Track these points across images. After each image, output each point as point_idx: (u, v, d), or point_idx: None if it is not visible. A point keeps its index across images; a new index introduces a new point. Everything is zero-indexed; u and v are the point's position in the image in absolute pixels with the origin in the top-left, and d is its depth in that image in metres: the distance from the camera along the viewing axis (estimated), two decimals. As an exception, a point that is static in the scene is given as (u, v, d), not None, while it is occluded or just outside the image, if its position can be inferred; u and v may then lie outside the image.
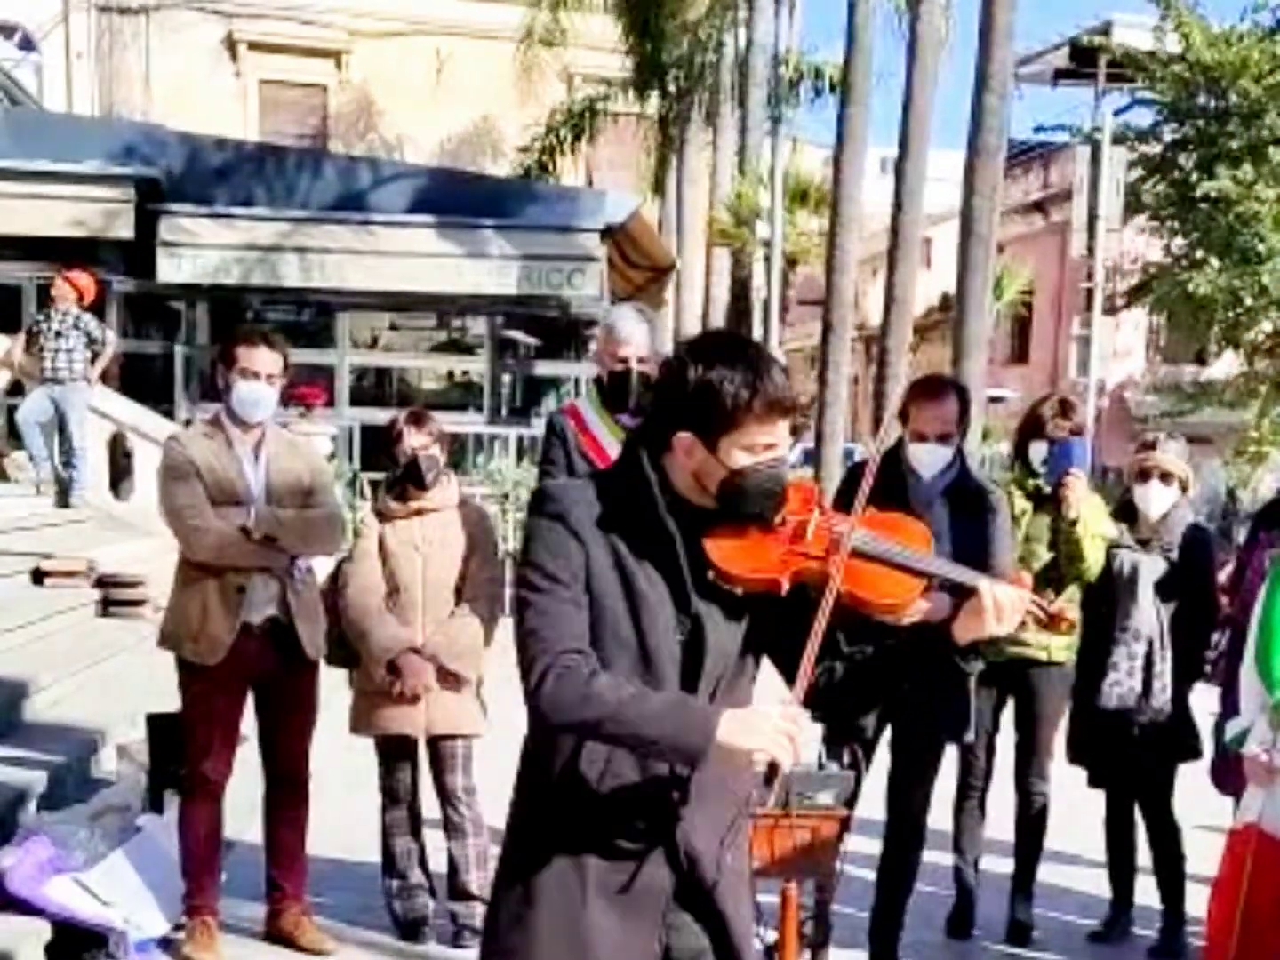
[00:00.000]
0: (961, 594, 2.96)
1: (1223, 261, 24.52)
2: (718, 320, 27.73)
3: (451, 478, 6.21)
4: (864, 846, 6.09)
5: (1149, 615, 6.30)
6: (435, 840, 6.25)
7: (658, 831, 2.96)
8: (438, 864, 6.24)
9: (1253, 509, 15.75)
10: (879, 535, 2.99)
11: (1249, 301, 24.40)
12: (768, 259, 24.96)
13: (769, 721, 2.71)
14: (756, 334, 25.33)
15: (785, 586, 2.92)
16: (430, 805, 6.24)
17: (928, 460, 5.62)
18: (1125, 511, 6.51)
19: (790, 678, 2.92)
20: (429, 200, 20.48)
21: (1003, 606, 2.88)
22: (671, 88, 28.59)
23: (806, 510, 2.99)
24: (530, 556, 2.95)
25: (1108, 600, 6.35)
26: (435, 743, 6.10)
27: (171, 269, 19.70)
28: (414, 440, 5.99)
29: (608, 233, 20.76)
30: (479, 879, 6.09)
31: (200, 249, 19.75)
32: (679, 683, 2.93)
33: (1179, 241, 26.12)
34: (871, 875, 6.02)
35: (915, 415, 5.69)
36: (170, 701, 6.10)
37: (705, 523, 2.95)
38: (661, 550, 2.94)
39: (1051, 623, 3.00)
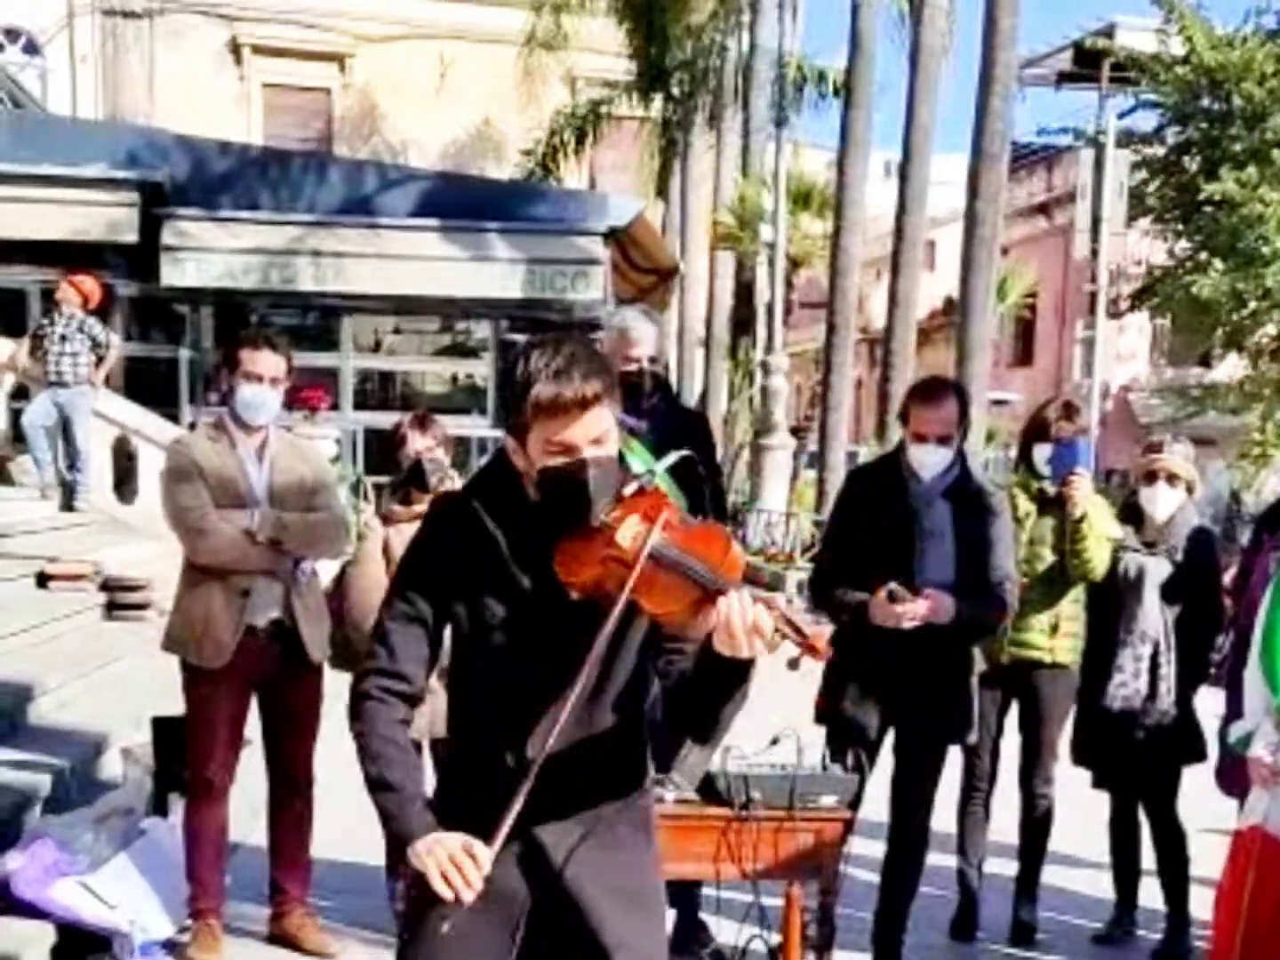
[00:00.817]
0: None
1: (1227, 264, 24.52)
2: (721, 323, 27.74)
3: (456, 481, 6.21)
4: (868, 849, 6.09)
5: (1154, 617, 6.30)
6: (439, 843, 6.25)
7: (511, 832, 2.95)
8: (442, 867, 6.23)
9: (1256, 511, 15.73)
10: (678, 544, 2.88)
11: (1253, 304, 24.40)
12: (771, 261, 24.94)
13: (442, 851, 2.83)
14: (760, 336, 25.35)
15: (574, 593, 2.91)
16: (434, 808, 6.24)
17: (928, 461, 5.62)
18: (1131, 514, 6.51)
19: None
20: (433, 204, 20.49)
21: (739, 623, 2.76)
22: (675, 91, 28.60)
23: (627, 517, 2.92)
24: (406, 553, 3.18)
25: (1113, 602, 6.35)
26: (439, 746, 6.09)
27: (175, 273, 19.72)
28: (418, 443, 5.99)
29: (611, 236, 20.77)
30: (483, 882, 6.09)
31: (204, 253, 19.77)
32: (538, 685, 2.98)
33: (1183, 244, 26.12)
34: (875, 877, 6.02)
35: (915, 416, 5.69)
36: (175, 704, 6.11)
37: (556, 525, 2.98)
38: (499, 556, 3.02)
39: (810, 650, 2.80)
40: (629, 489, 2.97)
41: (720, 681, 2.87)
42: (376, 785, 2.98)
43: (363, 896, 6.50)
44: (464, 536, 3.02)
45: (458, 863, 2.79)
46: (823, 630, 2.79)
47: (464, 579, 3.02)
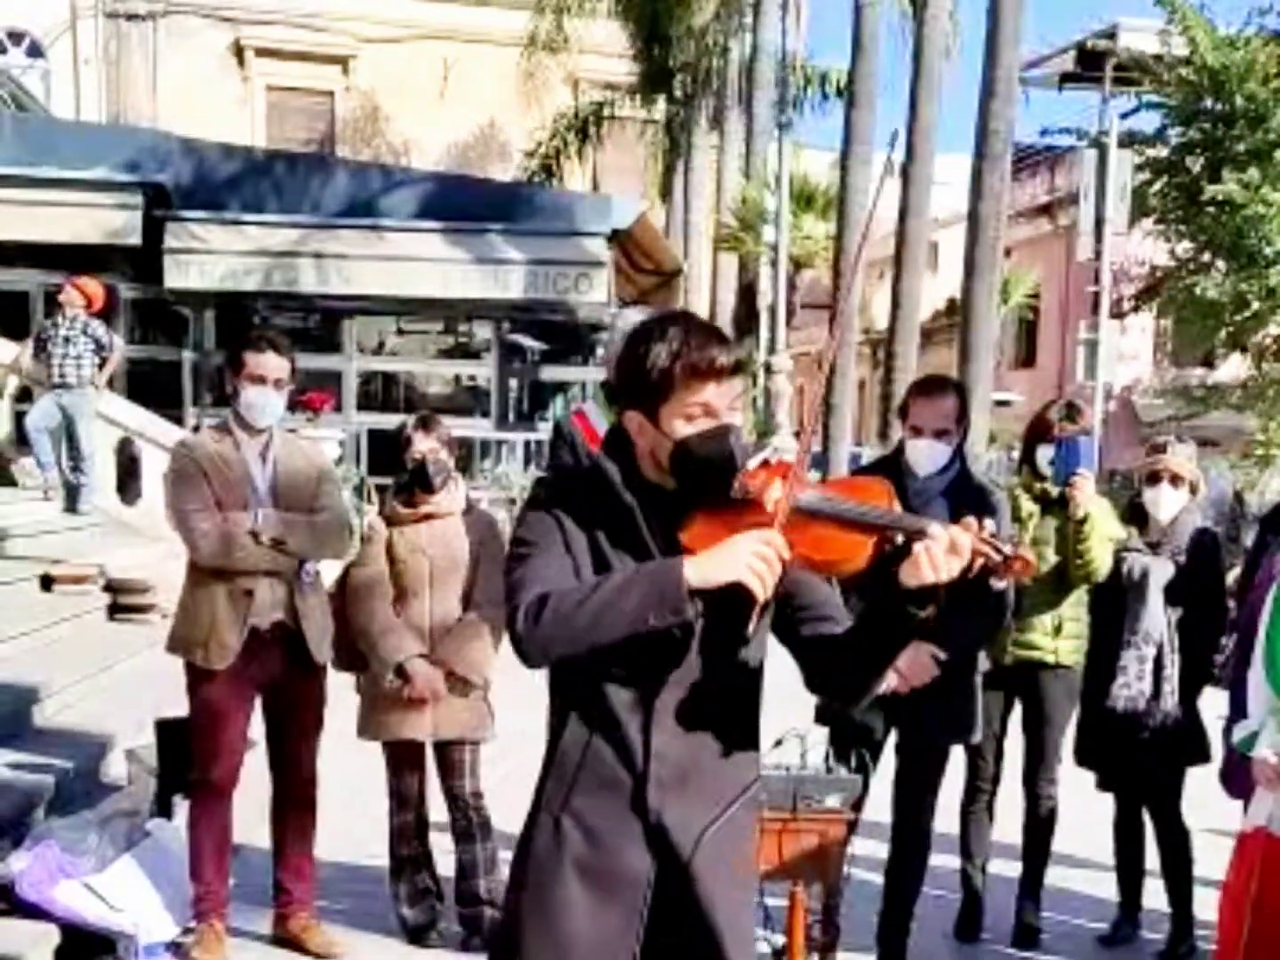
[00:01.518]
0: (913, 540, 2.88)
1: (1229, 264, 24.51)
2: (724, 325, 27.73)
3: (459, 483, 6.22)
4: (872, 849, 6.09)
5: (1158, 619, 6.30)
6: (443, 844, 6.26)
7: (634, 814, 2.99)
8: (445, 868, 6.24)
9: (1260, 512, 15.73)
10: (834, 495, 2.98)
11: (1255, 305, 24.37)
12: (773, 263, 24.97)
13: (740, 548, 2.77)
14: (763, 338, 25.36)
15: None
16: (438, 810, 6.25)
17: (925, 455, 5.61)
18: (1134, 515, 6.51)
19: (798, 657, 3.06)
20: (435, 205, 20.51)
21: (937, 549, 2.79)
22: (678, 92, 28.62)
23: (771, 482, 2.97)
24: (515, 533, 3.07)
25: (1116, 604, 6.35)
26: (443, 747, 6.10)
27: (179, 275, 19.75)
28: (422, 444, 6.00)
29: (614, 237, 20.79)
30: (487, 883, 6.09)
31: (207, 255, 19.80)
32: (653, 661, 2.96)
33: (1185, 245, 26.10)
34: (879, 878, 6.02)
35: (913, 410, 5.70)
36: (178, 706, 6.11)
37: (677, 507, 2.98)
38: (630, 530, 2.99)
39: (1006, 565, 2.84)
40: (753, 462, 3.01)
41: (901, 620, 2.87)
42: (607, 610, 2.81)
43: (367, 898, 6.51)
44: (594, 507, 3.01)
45: (765, 558, 2.76)
46: (1024, 549, 2.85)
47: (592, 550, 3.00)
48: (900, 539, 2.87)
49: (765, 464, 3.03)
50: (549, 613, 2.83)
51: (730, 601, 2.85)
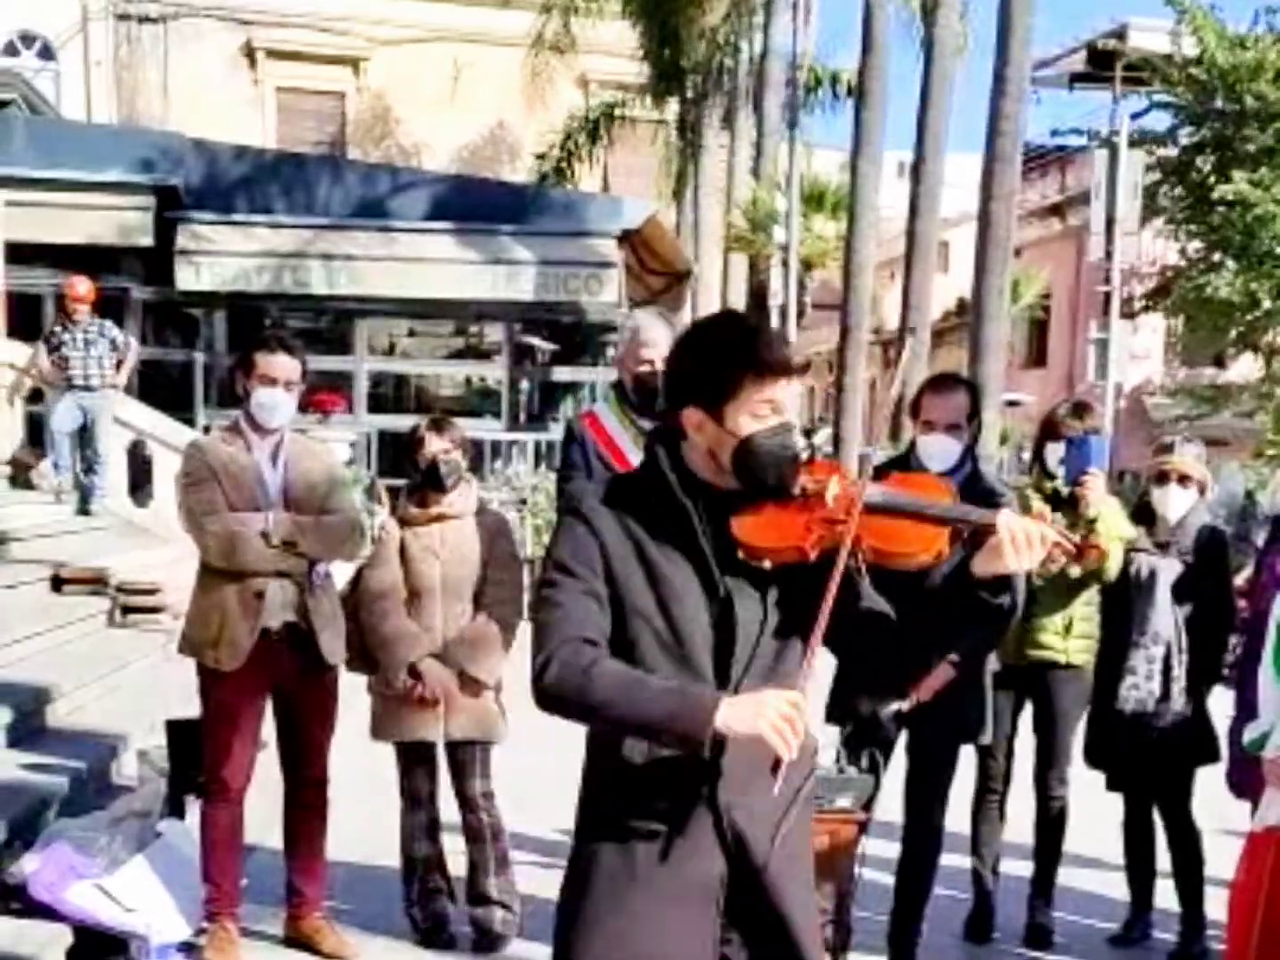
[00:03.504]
0: (983, 535, 2.96)
1: (1240, 264, 24.49)
2: (734, 326, 27.69)
3: (472, 484, 6.23)
4: (883, 850, 6.09)
5: (1166, 619, 6.29)
6: (455, 845, 6.26)
7: (704, 816, 2.97)
8: (457, 868, 6.25)
9: (1271, 511, 15.70)
10: (897, 490, 3.04)
11: (1267, 304, 24.37)
12: (784, 263, 24.96)
13: (766, 708, 2.73)
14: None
15: (812, 555, 2.95)
16: (450, 810, 6.26)
17: (936, 451, 5.61)
18: (1142, 515, 6.50)
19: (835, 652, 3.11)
20: (447, 207, 20.51)
21: (1019, 539, 2.86)
22: (688, 93, 28.60)
23: (820, 477, 3.02)
24: (550, 555, 3.03)
25: (1125, 604, 6.35)
26: (455, 748, 6.11)
27: (190, 277, 19.76)
28: (435, 445, 6.00)
29: (624, 238, 20.77)
30: (498, 884, 6.11)
31: (218, 257, 19.81)
32: (712, 666, 2.96)
33: (1196, 244, 26.09)
34: (890, 878, 6.02)
35: (924, 407, 5.71)
36: (190, 707, 6.13)
37: (729, 505, 2.98)
38: (682, 531, 2.97)
39: (1080, 555, 2.98)
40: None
41: (976, 608, 2.95)
42: (636, 705, 2.80)
43: (379, 899, 6.51)
44: (642, 510, 3.00)
45: (788, 718, 2.73)
46: (1093, 538, 3.00)
47: (639, 557, 2.98)
48: (966, 532, 2.97)
49: (810, 460, 3.08)
50: (571, 677, 2.82)
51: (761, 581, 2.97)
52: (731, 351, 2.94)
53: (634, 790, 2.98)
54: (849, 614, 3.00)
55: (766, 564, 2.98)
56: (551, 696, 2.86)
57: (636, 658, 2.94)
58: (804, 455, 3.05)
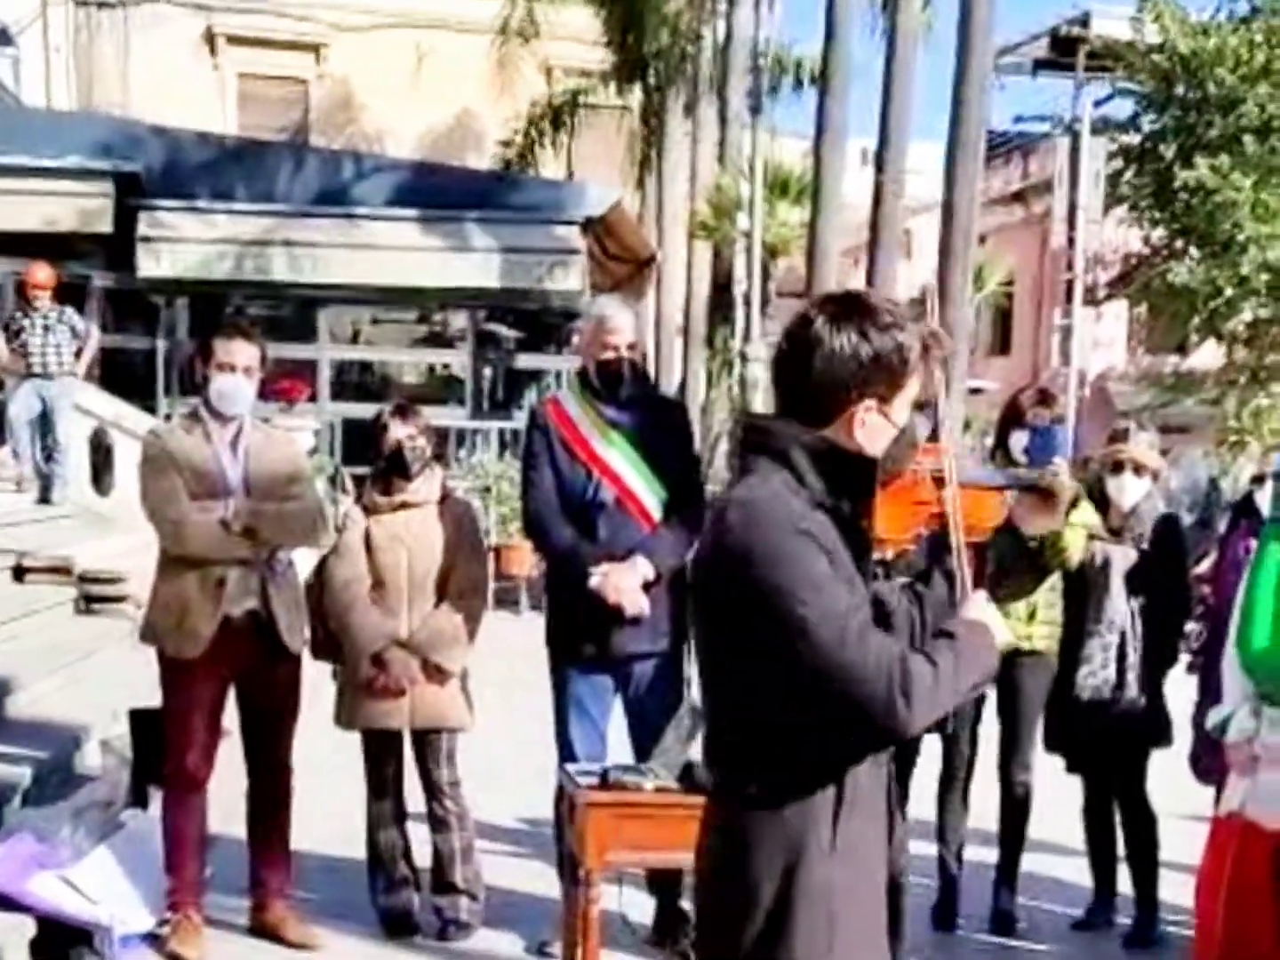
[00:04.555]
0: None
1: (1202, 251, 24.56)
2: (699, 313, 27.68)
3: (437, 471, 6.21)
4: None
5: (1121, 606, 6.32)
6: (420, 834, 6.25)
7: (886, 836, 2.98)
8: (423, 858, 6.24)
9: (1234, 499, 15.78)
10: (972, 467, 3.27)
11: (1229, 291, 24.42)
12: (748, 251, 24.93)
13: (989, 614, 2.89)
14: (738, 326, 25.34)
15: (891, 550, 3.04)
16: (416, 799, 6.24)
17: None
18: (1097, 503, 6.52)
19: None
20: (410, 194, 20.46)
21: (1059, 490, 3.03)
22: (652, 80, 28.54)
23: (922, 458, 3.10)
24: (797, 578, 2.71)
25: (1081, 592, 6.37)
26: (420, 736, 6.09)
27: (151, 264, 19.65)
28: (399, 432, 5.99)
29: (588, 225, 20.74)
30: (464, 872, 6.10)
31: (180, 244, 19.70)
32: None
33: (1159, 232, 26.16)
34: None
35: None
36: (153, 697, 6.09)
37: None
38: (852, 544, 2.85)
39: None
40: None
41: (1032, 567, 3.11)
42: (961, 685, 2.80)
43: (344, 888, 6.48)
44: (828, 519, 2.84)
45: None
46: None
47: (837, 566, 2.80)
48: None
49: None
50: (917, 700, 2.67)
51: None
52: (913, 337, 2.85)
53: (837, 811, 2.84)
54: None
55: (890, 554, 3.03)
56: (914, 728, 2.73)
57: None
58: None
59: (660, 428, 5.93)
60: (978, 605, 2.89)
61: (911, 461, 2.97)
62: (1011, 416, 6.50)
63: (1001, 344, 40.54)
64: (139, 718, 6.68)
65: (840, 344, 2.82)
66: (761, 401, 22.70)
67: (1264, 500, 6.58)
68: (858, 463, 2.85)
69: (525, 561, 15.99)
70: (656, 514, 5.80)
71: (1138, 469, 6.38)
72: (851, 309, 2.87)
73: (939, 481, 3.04)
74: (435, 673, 5.96)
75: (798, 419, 2.86)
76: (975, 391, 29.35)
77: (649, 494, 5.80)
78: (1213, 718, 5.11)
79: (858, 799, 2.84)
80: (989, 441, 7.86)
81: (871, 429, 2.84)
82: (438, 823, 6.14)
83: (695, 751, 4.64)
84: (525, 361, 22.46)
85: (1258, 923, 5.16)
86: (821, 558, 2.72)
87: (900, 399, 2.86)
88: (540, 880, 6.26)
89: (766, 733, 2.81)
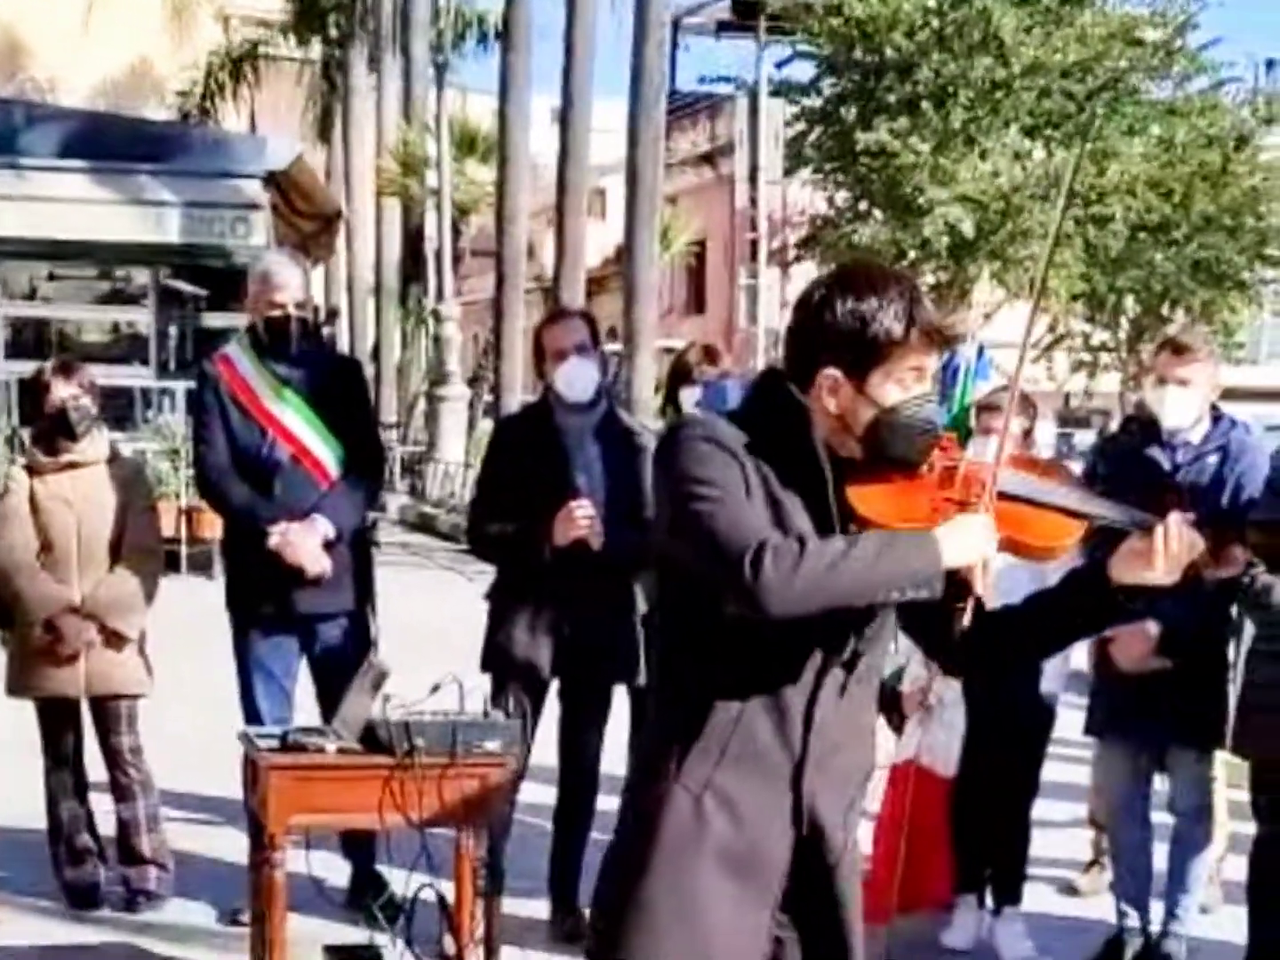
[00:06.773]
0: (1119, 535, 2.80)
1: (885, 214, 25.28)
2: (391, 272, 27.44)
3: (103, 430, 6.03)
4: (542, 796, 6.10)
5: None
6: (103, 804, 6.08)
7: (784, 797, 2.84)
8: (107, 828, 6.07)
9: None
10: (1032, 477, 2.87)
11: (912, 254, 25.19)
12: (439, 209, 24.81)
13: (976, 534, 2.70)
14: (430, 285, 25.20)
15: None
16: (97, 769, 6.06)
17: (576, 375, 5.61)
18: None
19: (922, 643, 3.09)
20: (82, 144, 19.84)
21: (1174, 548, 2.71)
22: (333, 32, 28.13)
23: (951, 454, 2.88)
24: (685, 471, 2.73)
25: None
26: (98, 703, 5.92)
27: None
28: (63, 391, 5.79)
29: (270, 180, 20.38)
30: (150, 841, 5.96)
31: None
32: (825, 630, 2.80)
33: (843, 194, 26.82)
34: (548, 824, 6.03)
35: (547, 339, 5.75)
36: None
37: (841, 472, 2.81)
38: (811, 493, 2.79)
39: (1218, 561, 2.79)
40: None
41: (1108, 609, 2.83)
42: (874, 570, 2.64)
43: (25, 864, 6.24)
44: (778, 457, 2.77)
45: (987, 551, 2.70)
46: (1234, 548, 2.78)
47: (772, 494, 2.76)
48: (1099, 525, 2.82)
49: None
50: (800, 569, 2.61)
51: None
52: (889, 317, 2.75)
53: (715, 757, 2.80)
54: None
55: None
56: (777, 597, 2.62)
57: None
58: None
59: (335, 385, 5.87)
60: (961, 520, 2.73)
61: (928, 453, 2.82)
62: (680, 374, 6.60)
63: (696, 303, 41.21)
64: None
65: (810, 309, 2.83)
66: (456, 360, 22.59)
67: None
68: (799, 414, 2.80)
69: (217, 524, 15.60)
70: (335, 472, 5.73)
71: None
72: (839, 278, 2.88)
73: (1010, 497, 2.80)
74: (111, 637, 5.80)
75: (786, 377, 2.87)
76: (669, 351, 29.77)
77: (326, 452, 5.73)
78: (888, 667, 5.30)
79: (746, 755, 2.80)
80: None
81: (845, 400, 2.79)
82: (121, 791, 5.98)
83: (377, 710, 4.61)
84: (214, 320, 21.90)
85: (933, 863, 5.45)
86: (725, 458, 2.72)
87: (878, 375, 2.77)
88: (231, 847, 6.12)
89: (678, 669, 2.88)
